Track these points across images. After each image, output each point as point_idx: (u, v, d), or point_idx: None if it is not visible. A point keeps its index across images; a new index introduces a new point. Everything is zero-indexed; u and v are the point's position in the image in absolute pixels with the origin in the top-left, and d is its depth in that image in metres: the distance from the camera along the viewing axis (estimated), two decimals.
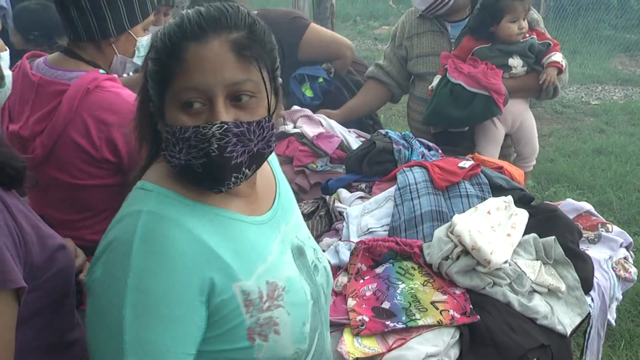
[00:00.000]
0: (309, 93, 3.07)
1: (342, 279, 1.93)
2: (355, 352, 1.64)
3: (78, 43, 1.87)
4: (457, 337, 1.71)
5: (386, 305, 1.77)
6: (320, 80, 3.06)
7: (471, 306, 1.77)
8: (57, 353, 1.30)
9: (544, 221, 2.13)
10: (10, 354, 1.13)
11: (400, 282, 1.85)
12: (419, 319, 1.71)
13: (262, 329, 1.13)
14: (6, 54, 1.35)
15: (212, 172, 1.09)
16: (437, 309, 1.75)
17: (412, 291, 1.81)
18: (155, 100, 1.13)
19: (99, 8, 1.82)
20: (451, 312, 1.74)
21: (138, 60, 1.98)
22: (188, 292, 1.06)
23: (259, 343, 1.13)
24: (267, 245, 1.21)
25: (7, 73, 1.38)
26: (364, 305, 1.79)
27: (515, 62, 2.89)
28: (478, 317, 1.72)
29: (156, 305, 1.04)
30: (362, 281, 1.89)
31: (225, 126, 1.07)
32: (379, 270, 1.92)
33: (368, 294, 1.83)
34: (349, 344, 1.66)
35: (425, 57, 3.08)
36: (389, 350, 1.65)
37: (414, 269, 1.91)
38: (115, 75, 1.91)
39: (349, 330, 1.72)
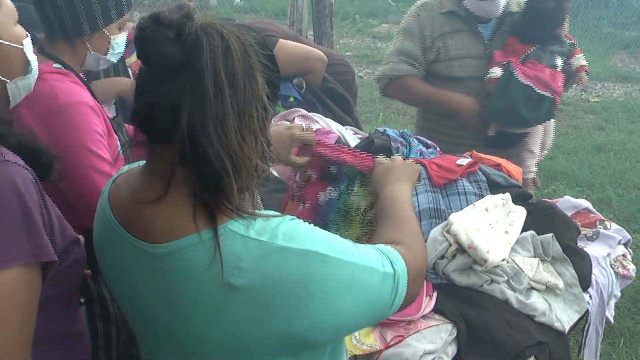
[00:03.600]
0: (281, 112, 3.03)
1: None
2: (353, 350, 1.64)
3: (52, 40, 1.89)
4: (455, 334, 1.72)
5: None
6: (291, 99, 2.98)
7: None
8: (61, 344, 1.31)
9: (541, 218, 2.14)
10: (31, 330, 1.15)
11: (333, 228, 1.89)
12: None
13: None
14: (28, 40, 1.39)
15: None
16: None
17: None
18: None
19: (73, 6, 1.84)
20: None
21: (112, 57, 2.00)
22: None
23: None
24: None
25: (32, 58, 1.41)
26: None
27: (559, 63, 2.93)
28: None
29: (345, 244, 1.20)
30: (300, 208, 1.90)
31: None
32: (322, 198, 1.93)
33: None
34: (347, 341, 1.66)
35: (462, 59, 2.94)
36: (387, 347, 1.65)
37: (358, 213, 1.91)
38: (70, 72, 1.90)
39: None
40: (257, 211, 1.14)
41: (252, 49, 1.10)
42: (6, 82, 1.35)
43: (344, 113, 3.12)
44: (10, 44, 1.34)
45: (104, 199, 1.25)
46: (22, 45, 1.38)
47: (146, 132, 1.13)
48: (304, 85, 3.04)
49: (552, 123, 3.21)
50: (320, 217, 1.87)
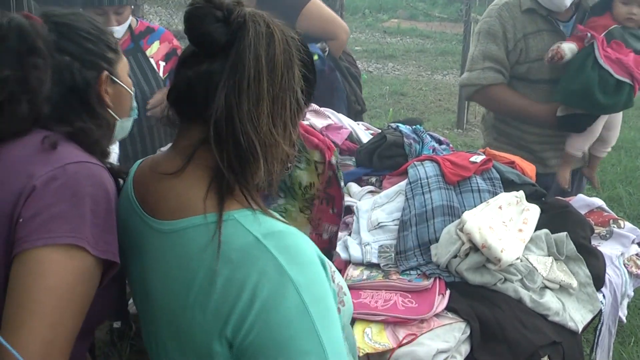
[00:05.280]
0: None
1: (353, 272, 1.92)
2: (365, 348, 1.63)
3: None
4: (468, 333, 1.70)
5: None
6: (315, 57, 3.03)
7: None
8: (85, 339, 1.33)
9: (555, 217, 2.12)
10: (80, 321, 1.17)
11: (281, 195, 1.99)
12: None
13: (338, 296, 1.22)
14: (133, 89, 1.58)
15: None
16: None
17: None
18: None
19: None
20: None
21: None
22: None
23: (341, 309, 1.23)
24: None
25: (135, 105, 1.60)
26: None
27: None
28: None
29: (328, 305, 1.10)
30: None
31: None
32: None
33: None
34: (359, 339, 1.65)
35: (542, 60, 2.84)
36: (400, 345, 1.64)
37: (300, 187, 1.99)
38: None
39: (358, 325, 1.71)
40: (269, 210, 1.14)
41: (294, 43, 1.14)
42: (117, 120, 1.46)
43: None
44: (127, 87, 1.47)
45: (129, 177, 1.28)
46: (132, 92, 1.51)
47: (179, 110, 1.18)
48: (327, 50, 3.17)
49: (618, 116, 3.05)
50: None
